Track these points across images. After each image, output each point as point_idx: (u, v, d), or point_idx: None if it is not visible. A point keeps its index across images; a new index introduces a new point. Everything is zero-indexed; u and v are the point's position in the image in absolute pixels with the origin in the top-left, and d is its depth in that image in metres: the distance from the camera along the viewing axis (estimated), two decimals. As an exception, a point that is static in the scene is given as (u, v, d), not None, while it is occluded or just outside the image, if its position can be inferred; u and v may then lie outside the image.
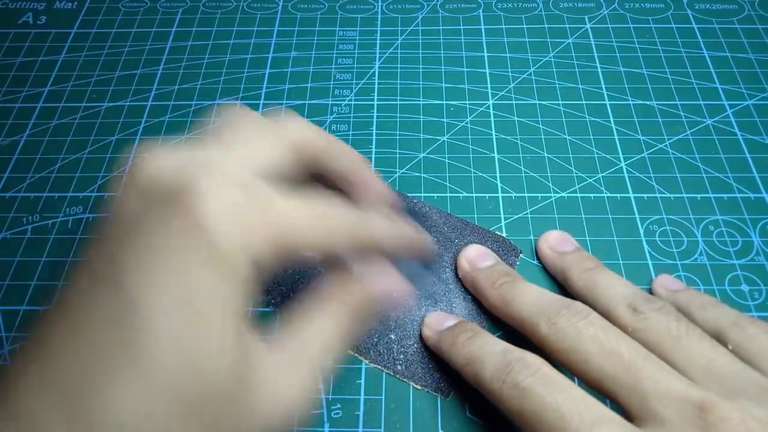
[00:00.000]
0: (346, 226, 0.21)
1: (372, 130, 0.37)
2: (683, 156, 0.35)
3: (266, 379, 0.19)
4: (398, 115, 0.37)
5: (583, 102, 0.38)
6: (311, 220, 0.20)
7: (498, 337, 0.28)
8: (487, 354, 0.23)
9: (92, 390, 0.15)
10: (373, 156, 0.35)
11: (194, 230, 0.17)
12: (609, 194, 0.33)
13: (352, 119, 0.37)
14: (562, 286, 0.29)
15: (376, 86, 0.39)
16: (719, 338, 0.23)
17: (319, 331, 0.21)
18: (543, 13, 0.43)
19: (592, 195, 0.33)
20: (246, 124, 0.22)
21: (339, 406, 0.26)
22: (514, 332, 0.27)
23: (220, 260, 0.17)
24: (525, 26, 0.43)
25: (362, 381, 0.27)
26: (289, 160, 0.22)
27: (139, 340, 0.16)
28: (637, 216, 0.32)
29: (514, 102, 0.38)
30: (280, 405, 0.19)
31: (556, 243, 0.30)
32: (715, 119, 0.36)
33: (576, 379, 0.25)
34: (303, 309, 0.22)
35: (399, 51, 0.41)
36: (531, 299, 0.25)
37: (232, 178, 0.19)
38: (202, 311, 0.17)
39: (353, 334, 0.22)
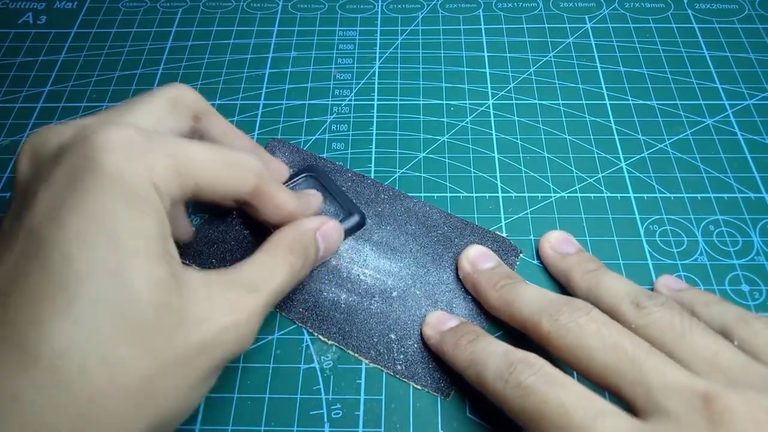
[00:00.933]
0: (252, 172, 0.24)
1: (372, 129, 0.37)
2: (683, 156, 0.35)
3: (196, 292, 0.20)
4: (398, 114, 0.37)
5: (584, 102, 0.37)
6: (215, 161, 0.22)
7: (498, 337, 0.28)
8: (490, 356, 0.23)
9: (32, 325, 0.17)
10: (373, 156, 0.35)
11: (92, 166, 0.19)
12: (609, 194, 0.33)
13: (352, 119, 0.37)
14: (563, 287, 0.29)
15: (376, 86, 0.39)
16: (725, 334, 0.23)
17: (254, 263, 0.23)
18: (543, 12, 0.43)
19: (592, 195, 0.33)
20: (131, 99, 0.25)
21: (339, 406, 0.26)
22: (513, 332, 0.27)
23: (125, 191, 0.19)
24: (525, 26, 0.42)
25: (362, 381, 0.27)
26: (169, 114, 0.24)
27: (66, 278, 0.17)
28: (637, 216, 0.32)
29: (514, 102, 0.38)
30: (214, 323, 0.20)
31: (557, 244, 0.30)
32: (716, 119, 0.36)
33: (577, 376, 0.25)
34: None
35: (399, 51, 0.41)
36: (532, 299, 0.25)
37: (127, 125, 0.20)
38: (116, 235, 0.18)
39: (296, 273, 0.24)
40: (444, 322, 0.27)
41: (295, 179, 0.32)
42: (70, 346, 0.17)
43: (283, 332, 0.29)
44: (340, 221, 0.29)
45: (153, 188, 0.20)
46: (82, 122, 0.21)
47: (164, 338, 0.18)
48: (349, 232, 0.31)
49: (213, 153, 0.22)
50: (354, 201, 0.32)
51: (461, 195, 0.33)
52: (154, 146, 0.20)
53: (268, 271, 0.23)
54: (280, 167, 0.31)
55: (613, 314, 0.24)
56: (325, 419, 0.26)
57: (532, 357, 0.22)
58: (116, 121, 0.21)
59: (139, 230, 0.19)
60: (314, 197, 0.29)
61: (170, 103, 0.25)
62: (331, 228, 0.27)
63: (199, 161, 0.22)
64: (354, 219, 0.31)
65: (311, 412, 0.26)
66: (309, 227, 0.26)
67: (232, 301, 0.21)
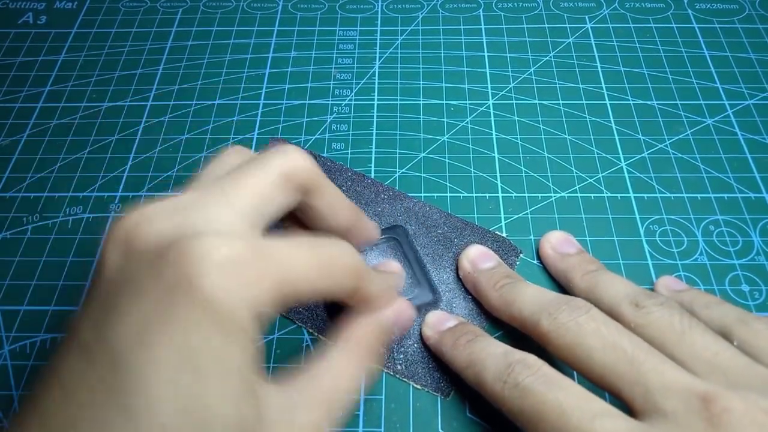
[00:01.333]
0: (349, 272, 0.21)
1: (372, 129, 0.36)
2: (683, 156, 0.35)
3: (278, 421, 0.18)
4: (398, 114, 0.37)
5: (584, 102, 0.37)
6: (313, 266, 0.19)
7: (497, 336, 0.28)
8: (489, 356, 0.23)
9: None
10: (373, 156, 0.35)
11: (188, 289, 0.16)
12: (609, 194, 0.33)
13: (352, 119, 0.37)
14: (563, 287, 0.29)
15: (377, 86, 0.39)
16: (725, 335, 0.23)
17: (333, 370, 0.21)
18: (543, 12, 0.43)
19: (592, 195, 0.33)
20: (235, 162, 0.22)
21: (339, 406, 0.26)
22: (513, 332, 0.27)
23: (221, 319, 0.16)
24: (525, 26, 0.42)
25: (362, 381, 0.27)
26: (280, 193, 0.21)
27: (137, 405, 0.15)
28: (637, 216, 0.32)
29: (514, 102, 0.38)
30: None
31: (558, 244, 0.30)
32: (716, 119, 0.36)
33: (577, 376, 0.25)
34: (320, 351, 0.21)
35: (399, 51, 0.41)
36: (531, 298, 0.25)
37: (225, 230, 0.18)
38: (202, 371, 0.16)
39: (369, 369, 0.22)
40: (443, 322, 0.27)
41: (378, 242, 0.30)
42: None
43: (283, 332, 0.29)
44: (410, 299, 0.28)
45: (253, 317, 0.17)
46: (184, 213, 0.19)
47: None
48: (417, 310, 0.28)
49: (311, 257, 0.19)
50: (429, 273, 0.30)
51: (461, 195, 0.33)
52: (261, 267, 0.18)
53: (347, 380, 0.21)
54: (369, 231, 0.26)
55: (612, 315, 0.24)
56: (325, 419, 0.26)
57: (531, 358, 0.22)
58: (215, 222, 0.18)
59: (229, 364, 0.17)
60: (398, 277, 0.26)
61: (283, 179, 0.21)
62: (407, 318, 0.24)
63: (301, 272, 0.19)
64: (426, 296, 0.29)
65: None
66: (388, 322, 0.23)
67: (314, 426, 0.19)
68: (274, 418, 0.18)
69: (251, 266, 0.17)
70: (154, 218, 0.18)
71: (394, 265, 0.27)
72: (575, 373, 0.25)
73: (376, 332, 0.23)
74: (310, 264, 0.19)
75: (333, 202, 0.23)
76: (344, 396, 0.20)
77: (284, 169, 0.21)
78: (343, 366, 0.21)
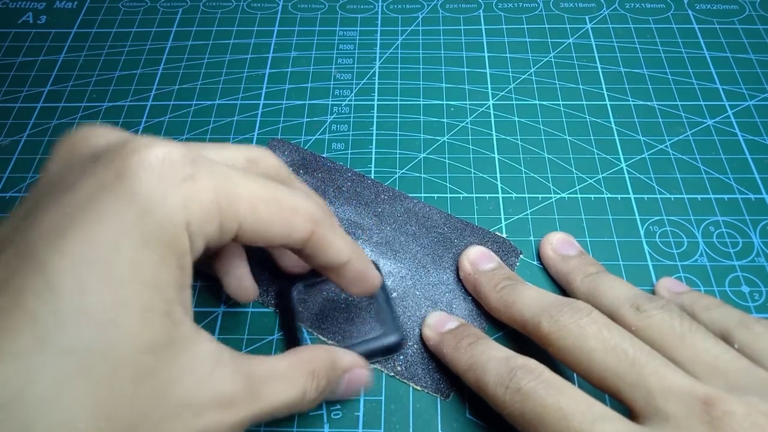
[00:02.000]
0: (308, 217, 0.20)
1: (372, 130, 0.36)
2: (684, 157, 0.35)
3: (194, 367, 0.17)
4: (398, 115, 0.37)
5: (584, 102, 0.37)
6: (261, 197, 0.19)
7: (498, 337, 0.28)
8: (490, 360, 0.23)
9: None
10: (373, 156, 0.35)
11: (117, 186, 0.16)
12: (609, 195, 0.33)
13: (352, 119, 0.37)
14: (564, 289, 0.29)
15: (377, 86, 0.39)
16: (725, 338, 0.23)
17: (274, 372, 0.20)
18: (543, 13, 0.43)
19: (592, 196, 0.33)
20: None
21: (339, 406, 0.26)
22: (513, 333, 0.27)
23: (146, 222, 0.16)
24: (525, 26, 0.42)
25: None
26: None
27: (35, 289, 0.15)
28: (637, 217, 0.32)
29: (514, 102, 0.38)
30: (198, 414, 0.17)
31: (559, 246, 0.30)
32: (716, 120, 0.36)
33: (576, 380, 0.25)
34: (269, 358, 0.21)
35: (399, 51, 0.41)
36: (532, 300, 0.25)
37: (175, 145, 0.17)
38: (114, 275, 0.15)
39: (302, 401, 0.21)
40: (444, 324, 0.27)
41: None
42: (19, 396, 0.14)
43: (282, 333, 0.28)
44: (375, 337, 0.27)
45: (184, 229, 0.17)
46: (131, 134, 0.18)
47: (131, 412, 0.15)
48: (377, 354, 0.27)
49: (264, 190, 0.19)
50: (398, 317, 0.28)
51: (461, 195, 0.33)
52: (199, 174, 0.17)
53: (281, 383, 0.20)
54: (369, 275, 0.25)
55: (612, 318, 0.24)
56: (325, 420, 0.26)
57: (533, 363, 0.22)
58: (168, 143, 0.18)
59: (148, 279, 0.16)
60: (377, 279, 0.25)
61: (248, 162, 0.21)
62: (360, 376, 0.24)
63: (247, 199, 0.18)
64: (390, 340, 0.27)
65: (311, 413, 0.26)
66: (342, 365, 0.23)
67: (229, 394, 0.18)
68: (191, 362, 0.17)
69: (190, 174, 0.17)
70: (102, 132, 0.18)
71: (375, 275, 0.26)
72: (576, 376, 0.25)
73: (326, 363, 0.22)
74: (258, 194, 0.19)
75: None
76: (271, 396, 0.19)
77: (252, 155, 0.22)
78: (282, 369, 0.20)
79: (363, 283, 0.24)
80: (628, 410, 0.21)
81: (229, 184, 0.18)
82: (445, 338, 0.26)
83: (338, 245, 0.22)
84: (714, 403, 0.19)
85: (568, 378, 0.22)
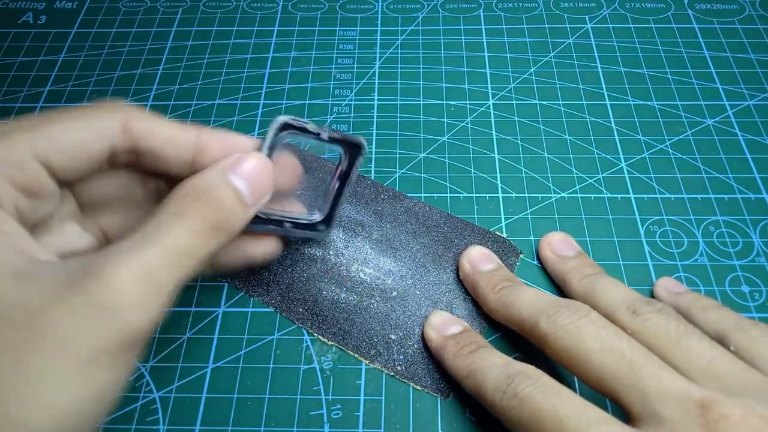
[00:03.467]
0: (112, 112, 0.22)
1: (372, 130, 0.36)
2: (684, 156, 0.35)
3: (57, 299, 0.17)
4: (398, 115, 0.37)
5: (584, 102, 0.37)
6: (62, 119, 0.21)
7: (497, 338, 0.28)
8: (490, 367, 0.23)
9: None
10: (374, 156, 0.35)
11: None
12: (609, 195, 0.33)
13: (352, 119, 0.37)
14: (562, 290, 0.29)
15: (377, 86, 0.39)
16: (721, 340, 0.23)
17: (164, 237, 0.19)
18: (543, 13, 0.43)
19: (592, 195, 0.33)
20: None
21: (339, 406, 0.26)
22: (511, 334, 0.27)
23: None
24: (525, 26, 0.42)
25: (362, 381, 0.27)
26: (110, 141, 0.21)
27: None
28: (637, 216, 0.32)
29: (514, 102, 0.38)
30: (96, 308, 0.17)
31: (557, 246, 0.30)
32: (716, 119, 0.36)
33: (577, 385, 0.25)
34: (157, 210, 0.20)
35: (399, 51, 0.41)
36: (530, 301, 0.25)
37: None
38: None
39: (200, 239, 0.20)
40: (447, 327, 0.27)
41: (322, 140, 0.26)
42: None
43: (282, 333, 0.29)
44: (297, 219, 0.26)
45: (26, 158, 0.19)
46: None
47: None
48: (297, 229, 0.26)
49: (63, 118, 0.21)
50: (339, 207, 0.27)
51: (461, 195, 0.33)
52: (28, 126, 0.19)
53: (175, 252, 0.19)
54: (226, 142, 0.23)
55: (609, 319, 0.24)
56: (325, 419, 0.26)
57: (531, 369, 0.22)
58: None
59: None
60: (289, 170, 0.24)
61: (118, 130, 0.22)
62: (253, 166, 0.22)
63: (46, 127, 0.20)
64: (313, 218, 0.26)
65: (311, 413, 0.26)
66: (215, 170, 0.21)
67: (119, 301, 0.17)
68: (53, 295, 0.17)
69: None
70: None
71: (292, 162, 0.24)
72: (575, 380, 0.25)
73: (193, 183, 0.21)
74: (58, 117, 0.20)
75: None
76: (174, 271, 0.19)
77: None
78: (140, 234, 0.19)
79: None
80: (625, 413, 0.21)
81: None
82: (448, 343, 0.26)
83: (172, 126, 0.22)
84: (710, 406, 0.19)
85: (568, 384, 0.22)
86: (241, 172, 0.21)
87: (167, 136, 0.22)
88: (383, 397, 0.27)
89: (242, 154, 0.22)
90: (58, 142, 0.20)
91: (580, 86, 0.38)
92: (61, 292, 0.17)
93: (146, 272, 0.18)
